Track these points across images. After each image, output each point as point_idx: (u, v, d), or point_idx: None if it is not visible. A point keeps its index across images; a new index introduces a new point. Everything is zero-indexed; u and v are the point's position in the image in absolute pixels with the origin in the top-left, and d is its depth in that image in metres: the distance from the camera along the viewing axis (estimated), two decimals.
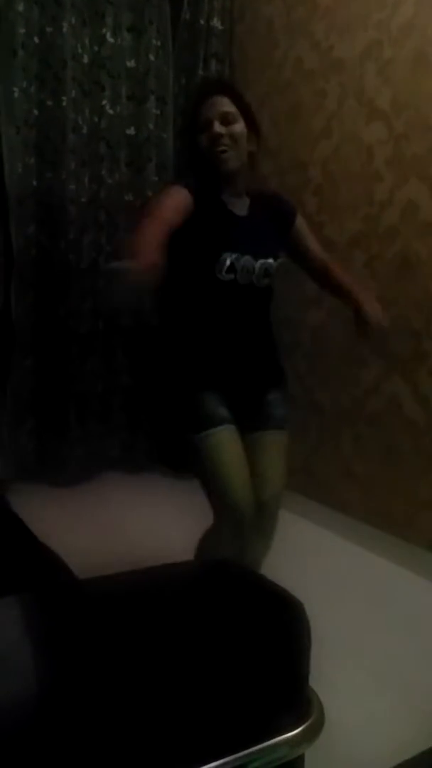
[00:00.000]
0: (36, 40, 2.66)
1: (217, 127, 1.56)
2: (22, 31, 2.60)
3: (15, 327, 2.75)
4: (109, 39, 2.81)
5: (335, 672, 1.47)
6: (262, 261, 1.62)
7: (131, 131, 2.94)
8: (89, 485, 2.92)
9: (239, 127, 1.59)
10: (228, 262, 1.57)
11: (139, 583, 0.90)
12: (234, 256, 1.58)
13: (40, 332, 2.87)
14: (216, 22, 3.01)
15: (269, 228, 1.69)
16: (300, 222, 1.77)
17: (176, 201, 1.52)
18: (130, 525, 2.57)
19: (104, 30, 2.80)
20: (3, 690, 0.72)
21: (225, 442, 1.56)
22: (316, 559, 2.34)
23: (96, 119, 2.85)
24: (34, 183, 2.75)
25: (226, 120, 1.57)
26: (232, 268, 1.58)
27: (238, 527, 1.57)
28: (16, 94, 2.62)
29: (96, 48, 2.81)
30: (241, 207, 1.66)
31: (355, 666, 1.70)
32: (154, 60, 2.94)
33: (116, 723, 0.74)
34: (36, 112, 2.71)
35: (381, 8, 2.30)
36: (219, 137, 1.56)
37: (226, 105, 1.59)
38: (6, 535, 1.48)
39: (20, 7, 2.58)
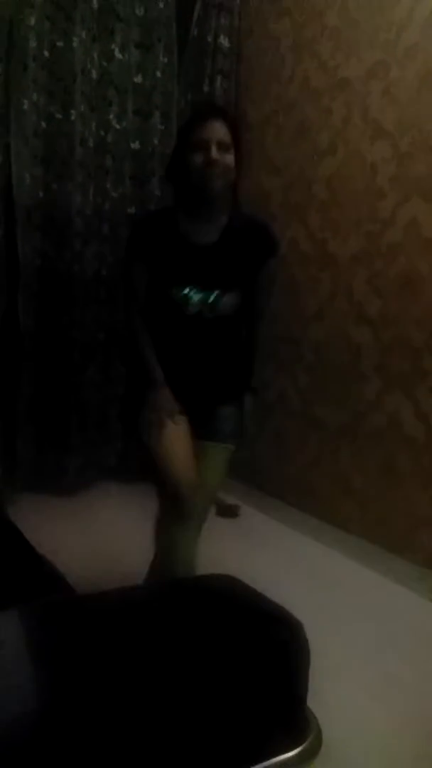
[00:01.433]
0: (47, 53, 2.70)
1: (214, 153, 1.60)
2: (33, 44, 2.64)
3: (23, 336, 2.76)
4: (118, 55, 2.85)
5: (332, 691, 1.46)
6: (215, 291, 1.67)
7: (136, 146, 2.98)
8: (86, 495, 2.92)
9: (231, 158, 1.63)
10: (178, 296, 1.66)
11: (138, 601, 0.89)
12: (185, 290, 1.66)
13: (42, 341, 2.87)
14: (223, 40, 3.06)
15: (236, 258, 1.71)
16: (271, 264, 1.77)
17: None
18: (126, 535, 2.55)
19: (113, 46, 2.84)
20: (1, 704, 0.71)
21: (171, 435, 1.68)
22: (313, 575, 2.33)
23: (102, 133, 2.88)
24: (41, 194, 2.78)
25: (221, 147, 1.61)
26: (183, 300, 1.67)
27: (182, 513, 1.70)
28: (25, 106, 2.65)
29: (105, 63, 2.84)
30: (210, 234, 1.69)
31: (353, 685, 1.68)
32: (161, 76, 2.98)
33: (114, 740, 0.74)
34: (44, 124, 2.74)
35: (387, 29, 2.33)
36: (214, 162, 1.60)
37: (223, 133, 1.62)
38: (3, 546, 1.48)
39: (32, 21, 2.62)
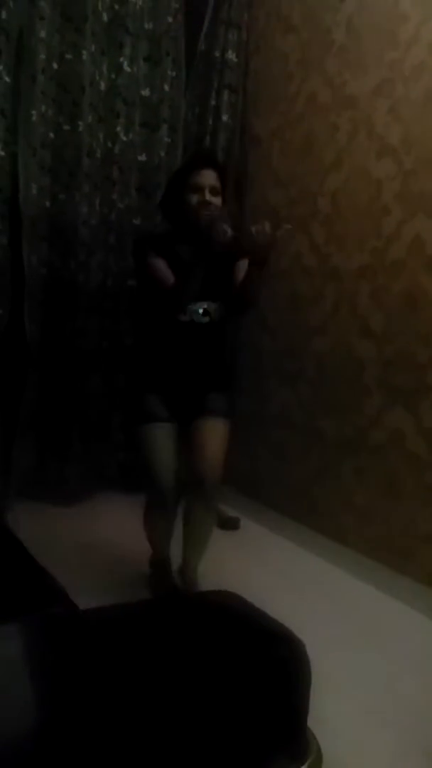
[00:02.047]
0: (55, 65, 2.72)
1: (208, 196, 1.99)
2: (42, 56, 2.66)
3: (29, 346, 2.77)
4: (126, 68, 2.88)
5: (332, 709, 1.45)
6: (201, 304, 2.03)
7: (143, 158, 3.00)
8: (87, 504, 2.91)
9: (219, 200, 2.03)
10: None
11: (139, 617, 0.89)
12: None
13: (46, 350, 2.88)
14: (231, 55, 3.08)
15: (218, 272, 2.04)
16: (241, 264, 2.06)
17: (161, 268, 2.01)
18: (127, 545, 2.54)
19: (122, 59, 2.87)
20: (2, 719, 0.71)
21: (158, 433, 2.03)
22: (313, 590, 2.32)
23: (110, 144, 2.90)
24: (48, 204, 2.79)
25: (213, 191, 2.00)
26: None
27: (160, 500, 2.06)
28: (34, 117, 2.67)
29: (113, 76, 2.87)
30: (198, 254, 1.97)
31: (354, 703, 1.67)
32: (168, 90, 3.01)
33: (114, 757, 0.73)
34: (52, 135, 2.77)
35: (394, 48, 2.35)
36: (208, 204, 1.98)
37: (214, 179, 2.01)
38: (3, 556, 1.47)
39: (42, 34, 2.65)
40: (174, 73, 3.01)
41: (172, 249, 2.01)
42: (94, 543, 2.58)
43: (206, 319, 2.04)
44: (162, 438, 2.02)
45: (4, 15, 2.52)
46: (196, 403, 2.08)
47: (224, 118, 3.11)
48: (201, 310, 2.03)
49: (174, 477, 2.02)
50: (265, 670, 0.85)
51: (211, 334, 2.08)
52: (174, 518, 2.16)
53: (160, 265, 1.99)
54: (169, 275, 1.98)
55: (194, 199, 1.98)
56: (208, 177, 2.00)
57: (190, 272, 1.95)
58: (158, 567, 2.27)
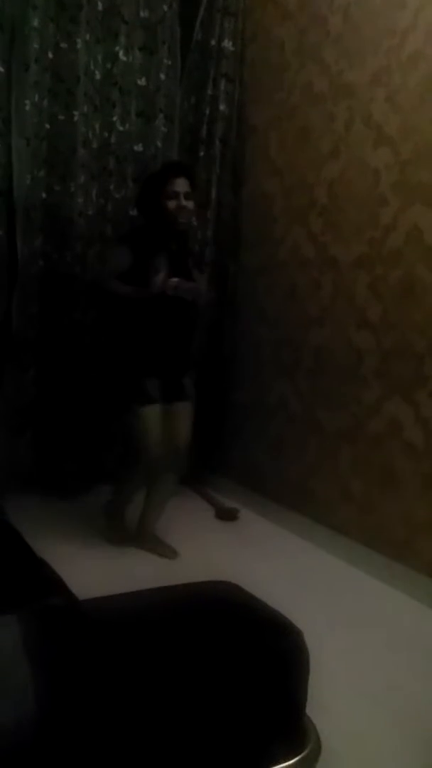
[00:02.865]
0: (50, 55, 2.70)
1: (183, 202, 2.35)
2: (36, 46, 2.63)
3: (13, 339, 2.75)
4: (122, 57, 2.85)
5: (331, 698, 1.46)
6: (185, 281, 2.30)
7: (139, 148, 2.98)
8: (85, 498, 2.91)
9: (192, 204, 2.41)
10: (159, 281, 2.28)
11: (138, 607, 0.89)
12: (163, 276, 2.29)
13: (43, 344, 2.87)
14: (227, 44, 3.06)
15: (187, 264, 2.47)
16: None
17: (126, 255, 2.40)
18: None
19: (117, 48, 2.84)
20: (1, 710, 0.71)
21: (152, 415, 2.39)
22: (311, 579, 2.33)
23: (106, 135, 2.88)
24: (43, 195, 2.77)
25: (187, 197, 2.36)
26: (162, 286, 2.29)
27: (150, 466, 2.46)
28: (27, 107, 2.65)
29: (108, 65, 2.84)
30: (174, 245, 2.41)
31: (352, 692, 1.68)
32: (165, 79, 2.98)
33: (113, 748, 0.74)
34: (47, 125, 2.74)
35: (391, 36, 2.34)
36: (183, 208, 2.36)
37: (186, 185, 2.37)
38: (3, 549, 1.48)
39: (35, 23, 2.62)
40: (170, 62, 2.99)
41: (149, 240, 2.40)
42: (92, 536, 2.58)
43: (192, 295, 2.34)
44: (156, 418, 2.39)
45: None
46: (176, 385, 2.45)
47: (221, 107, 3.09)
48: (181, 289, 2.31)
49: (160, 449, 2.41)
50: (263, 659, 0.85)
51: (193, 313, 2.42)
52: (176, 481, 2.59)
53: (122, 287, 2.34)
54: (128, 290, 2.32)
55: (171, 204, 2.34)
56: (183, 184, 2.36)
57: (165, 258, 2.33)
58: (115, 523, 2.61)
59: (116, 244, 2.56)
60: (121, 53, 2.85)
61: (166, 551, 2.49)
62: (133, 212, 2.96)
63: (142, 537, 2.54)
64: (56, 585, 1.25)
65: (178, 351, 2.44)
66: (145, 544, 2.52)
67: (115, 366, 2.53)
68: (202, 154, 3.09)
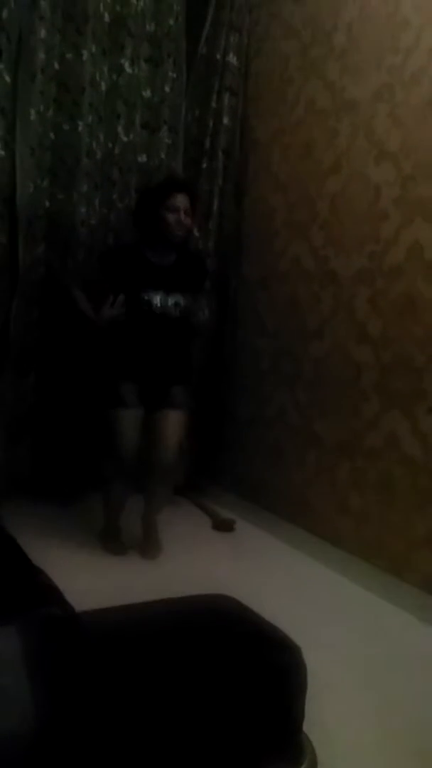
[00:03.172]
0: (56, 65, 2.72)
1: (183, 217, 2.42)
2: (42, 56, 2.66)
3: (11, 345, 2.75)
4: (127, 69, 2.88)
5: (327, 713, 1.45)
6: (174, 295, 2.44)
7: (143, 158, 3.00)
8: (83, 505, 2.90)
9: (190, 220, 2.47)
10: (145, 297, 2.42)
11: (135, 620, 0.89)
12: (151, 293, 2.42)
13: (42, 350, 2.87)
14: (232, 58, 3.09)
15: (185, 276, 2.50)
16: (205, 285, 2.67)
17: (108, 268, 2.51)
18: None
19: (123, 60, 2.87)
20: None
21: (126, 418, 2.42)
22: (307, 592, 2.32)
23: (110, 145, 2.90)
24: (46, 204, 2.79)
25: (186, 212, 2.42)
26: (148, 301, 2.42)
27: (122, 469, 2.49)
28: (32, 117, 2.67)
29: (114, 77, 2.87)
30: (167, 260, 2.49)
31: (348, 708, 1.67)
32: (169, 91, 3.01)
33: (109, 761, 0.73)
34: (52, 135, 2.76)
35: (394, 53, 2.36)
36: (181, 223, 2.42)
37: (187, 202, 2.43)
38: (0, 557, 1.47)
39: (42, 34, 2.65)
40: (175, 75, 3.02)
41: (142, 256, 2.46)
42: (89, 544, 2.57)
43: (177, 311, 2.43)
44: (131, 421, 2.42)
45: (5, 14, 2.52)
46: (162, 394, 2.47)
47: (224, 120, 3.11)
48: (172, 303, 2.42)
49: (135, 452, 2.43)
50: (260, 674, 0.85)
51: (180, 327, 2.47)
52: (127, 493, 2.56)
53: (82, 302, 2.49)
54: (85, 307, 2.48)
55: (171, 218, 2.40)
56: (184, 200, 2.42)
57: (158, 272, 2.42)
58: (110, 534, 2.59)
59: (105, 253, 2.66)
60: (126, 65, 2.88)
61: (148, 551, 2.51)
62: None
63: (151, 542, 2.55)
64: (52, 594, 1.24)
65: (159, 359, 2.45)
66: (147, 553, 2.52)
67: (93, 370, 2.62)
68: (205, 165, 3.12)
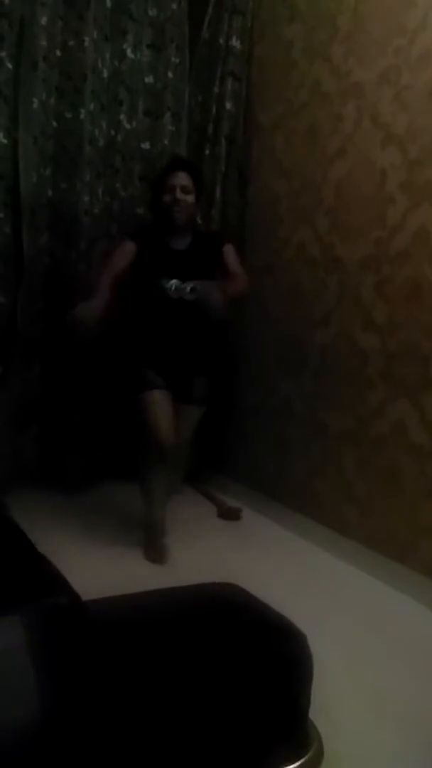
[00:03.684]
0: (58, 53, 2.70)
1: (179, 195, 2.33)
2: (44, 43, 2.64)
3: (18, 335, 2.75)
4: (130, 55, 2.85)
5: (334, 702, 1.45)
6: (189, 283, 2.31)
7: (146, 146, 2.98)
8: (88, 494, 2.91)
9: (191, 198, 2.38)
10: (163, 282, 2.32)
11: (143, 608, 0.89)
12: (168, 279, 2.32)
13: (48, 340, 2.87)
14: (235, 42, 3.05)
15: (202, 258, 2.41)
16: (227, 248, 2.49)
17: (122, 252, 2.39)
18: (127, 536, 2.55)
19: (125, 46, 2.84)
20: (3, 712, 0.71)
21: (157, 400, 2.34)
22: (314, 581, 2.32)
23: (113, 133, 2.88)
24: (49, 193, 2.77)
25: (184, 190, 2.34)
26: (166, 286, 2.32)
27: (160, 456, 2.37)
28: (35, 105, 2.65)
29: (116, 63, 2.85)
30: (181, 244, 2.41)
31: (355, 696, 1.67)
32: (172, 77, 2.98)
33: (115, 751, 0.73)
34: (54, 123, 2.74)
35: (401, 35, 2.32)
36: (177, 202, 2.33)
37: (185, 179, 2.34)
38: (5, 545, 1.47)
39: (43, 21, 2.62)
40: (178, 60, 2.98)
41: (161, 240, 2.40)
42: (95, 533, 2.58)
43: (194, 296, 2.30)
44: (163, 402, 2.34)
45: (6, 1, 2.49)
46: (184, 385, 2.41)
47: (228, 106, 3.08)
48: (189, 288, 2.31)
49: (172, 433, 2.34)
50: (266, 662, 0.85)
51: (199, 314, 2.32)
52: (168, 480, 2.47)
53: (117, 259, 2.37)
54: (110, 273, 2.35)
55: (168, 198, 2.34)
56: (181, 178, 2.33)
57: (174, 256, 2.35)
58: (153, 536, 2.43)
59: (122, 239, 2.54)
60: (128, 51, 2.85)
61: (156, 554, 2.38)
62: (140, 210, 2.97)
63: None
64: (58, 583, 1.24)
65: (179, 347, 2.39)
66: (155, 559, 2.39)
67: (119, 357, 2.59)
68: (208, 152, 3.09)
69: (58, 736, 0.70)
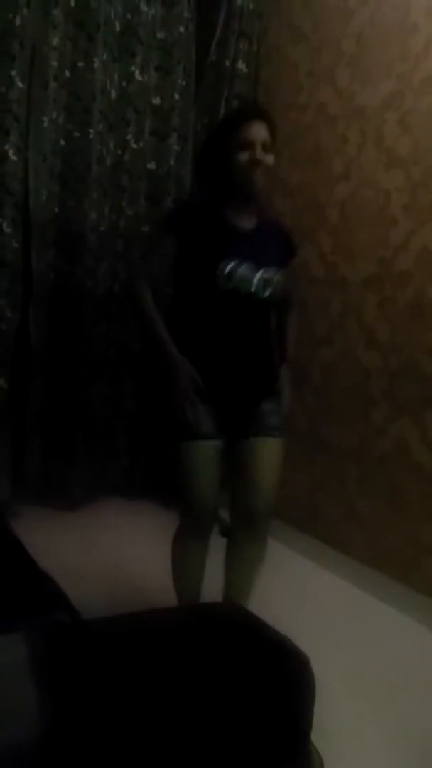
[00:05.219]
0: (68, 73, 2.75)
1: (259, 154, 1.66)
2: (54, 63, 2.69)
3: (33, 350, 2.78)
4: (137, 76, 2.90)
5: (335, 723, 1.44)
6: (264, 269, 1.70)
7: (152, 166, 3.02)
8: (90, 510, 2.91)
9: (271, 158, 1.70)
10: (227, 269, 1.65)
11: (143, 627, 0.89)
12: (233, 263, 1.66)
13: (52, 355, 2.89)
14: (241, 65, 3.10)
15: (273, 243, 1.78)
16: (295, 243, 1.91)
17: (165, 252, 1.75)
18: (130, 552, 2.54)
19: (133, 67, 2.89)
20: (5, 729, 0.71)
21: (202, 455, 1.68)
22: (315, 600, 2.32)
23: (120, 152, 2.92)
24: (57, 210, 2.81)
25: (265, 147, 1.67)
26: (230, 276, 1.65)
27: (196, 529, 1.76)
28: (45, 124, 2.69)
29: (124, 84, 2.90)
30: (248, 222, 1.75)
31: (356, 716, 1.66)
32: (179, 99, 3.03)
33: (116, 766, 0.73)
34: (63, 142, 2.78)
35: (404, 60, 2.36)
36: (259, 163, 1.66)
37: (266, 133, 1.69)
38: (5, 561, 1.47)
39: (54, 42, 2.67)
40: (184, 83, 3.03)
41: (220, 216, 1.72)
42: (97, 549, 2.57)
43: (268, 291, 1.70)
44: (206, 459, 1.69)
45: (18, 22, 2.55)
46: (247, 413, 1.73)
47: None
48: (257, 279, 1.67)
49: (215, 504, 1.74)
50: (269, 683, 0.85)
51: (268, 315, 1.76)
52: (206, 552, 1.83)
53: (161, 257, 1.77)
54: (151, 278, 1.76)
55: (244, 157, 1.65)
56: (260, 129, 1.67)
57: (241, 238, 1.70)
58: (182, 587, 1.87)
59: (162, 229, 1.85)
60: (136, 73, 2.90)
61: None
62: (145, 228, 3.00)
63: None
64: (59, 600, 1.24)
65: (244, 364, 1.72)
66: None
67: (153, 386, 1.96)
68: None
69: (59, 752, 0.70)
